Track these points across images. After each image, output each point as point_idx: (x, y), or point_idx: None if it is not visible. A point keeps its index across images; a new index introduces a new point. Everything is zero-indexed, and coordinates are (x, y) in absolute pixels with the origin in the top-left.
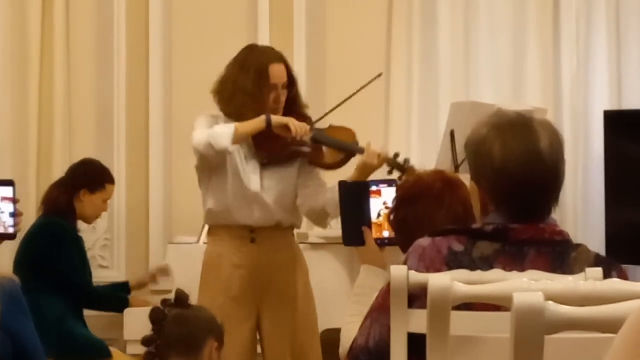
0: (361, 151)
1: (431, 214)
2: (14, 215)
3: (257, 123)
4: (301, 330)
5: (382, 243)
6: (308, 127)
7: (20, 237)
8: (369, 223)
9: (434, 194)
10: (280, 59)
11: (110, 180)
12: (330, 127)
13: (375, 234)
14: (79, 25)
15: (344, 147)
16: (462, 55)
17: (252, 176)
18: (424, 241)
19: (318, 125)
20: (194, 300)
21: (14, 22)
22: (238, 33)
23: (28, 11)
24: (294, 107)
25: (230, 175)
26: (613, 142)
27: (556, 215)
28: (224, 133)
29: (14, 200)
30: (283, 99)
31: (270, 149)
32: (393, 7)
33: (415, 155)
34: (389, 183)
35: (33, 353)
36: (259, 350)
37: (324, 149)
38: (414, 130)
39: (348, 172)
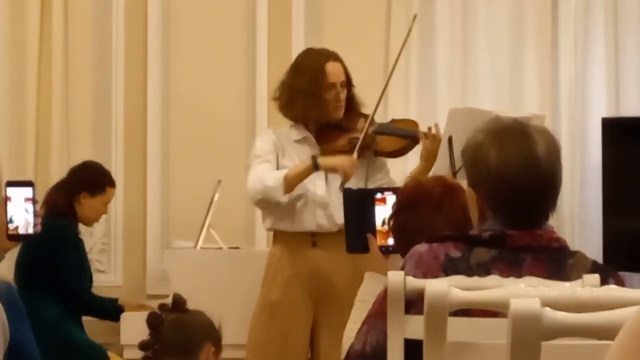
0: (422, 135)
1: (430, 219)
2: (35, 215)
3: (305, 168)
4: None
5: (386, 251)
6: (356, 161)
7: None
8: (373, 230)
9: (434, 200)
10: (335, 57)
11: (111, 183)
12: (393, 120)
13: (379, 241)
14: (77, 29)
15: (406, 133)
16: (460, 61)
17: (318, 181)
18: (421, 247)
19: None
20: (192, 304)
21: (12, 25)
22: (236, 35)
23: (26, 14)
24: (352, 105)
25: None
26: (611, 149)
27: (553, 222)
28: (274, 186)
29: (34, 201)
30: (343, 96)
31: (334, 146)
32: (391, 12)
33: (412, 160)
34: (394, 190)
35: (29, 358)
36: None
37: (387, 138)
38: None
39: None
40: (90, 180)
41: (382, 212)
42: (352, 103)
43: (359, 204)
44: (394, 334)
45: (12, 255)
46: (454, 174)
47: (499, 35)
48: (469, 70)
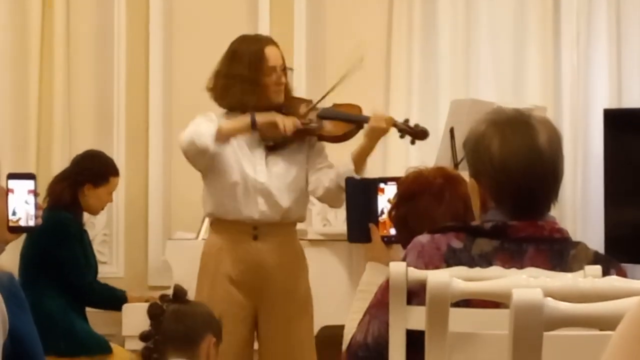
0: (368, 119)
1: (431, 209)
2: (36, 207)
3: (241, 123)
4: (297, 328)
5: (388, 240)
6: (296, 120)
7: None
8: (375, 219)
9: (435, 190)
10: (273, 42)
11: (114, 172)
12: (335, 104)
13: (381, 231)
14: (79, 19)
15: (351, 118)
16: (462, 52)
17: (258, 166)
18: (423, 238)
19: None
20: (192, 295)
21: (14, 17)
22: (238, 28)
23: (28, 5)
24: (288, 91)
25: (231, 168)
26: (613, 140)
27: (555, 213)
28: (206, 132)
29: (35, 193)
30: (283, 80)
31: (275, 131)
32: (393, 3)
33: (414, 152)
34: (397, 180)
35: (31, 348)
36: (256, 346)
37: (331, 123)
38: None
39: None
40: (93, 171)
41: (382, 202)
42: (287, 88)
43: (361, 193)
44: (396, 325)
45: (16, 247)
46: (456, 165)
47: (501, 26)
48: (471, 62)
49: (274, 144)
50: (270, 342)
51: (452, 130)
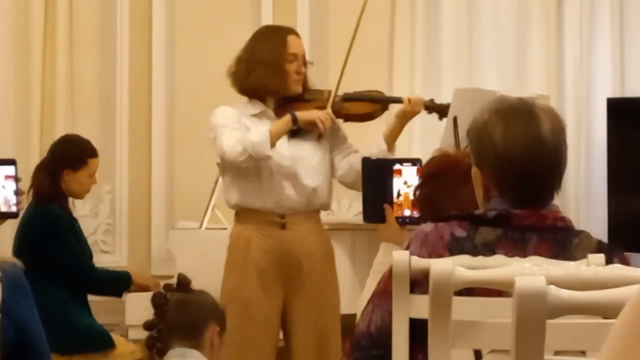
0: (400, 100)
1: (457, 188)
2: (16, 193)
3: (285, 123)
4: (324, 317)
5: (402, 221)
6: (332, 114)
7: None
8: (390, 200)
9: (462, 169)
10: (295, 32)
11: (92, 154)
12: (356, 92)
13: (396, 212)
14: (82, 11)
15: (374, 98)
16: (465, 41)
17: (282, 150)
18: (427, 227)
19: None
20: (197, 284)
21: (17, 7)
22: (240, 21)
23: (31, 1)
24: (306, 84)
25: None
26: (616, 129)
27: (558, 202)
28: (261, 141)
29: (16, 179)
30: (304, 70)
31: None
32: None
33: (417, 141)
34: (413, 162)
35: (35, 338)
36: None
37: (355, 104)
38: (417, 116)
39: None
40: (69, 156)
41: (398, 182)
42: (306, 81)
43: (377, 173)
44: (399, 314)
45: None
46: None
47: (504, 15)
48: (474, 51)
49: (297, 128)
50: (297, 331)
51: (455, 119)
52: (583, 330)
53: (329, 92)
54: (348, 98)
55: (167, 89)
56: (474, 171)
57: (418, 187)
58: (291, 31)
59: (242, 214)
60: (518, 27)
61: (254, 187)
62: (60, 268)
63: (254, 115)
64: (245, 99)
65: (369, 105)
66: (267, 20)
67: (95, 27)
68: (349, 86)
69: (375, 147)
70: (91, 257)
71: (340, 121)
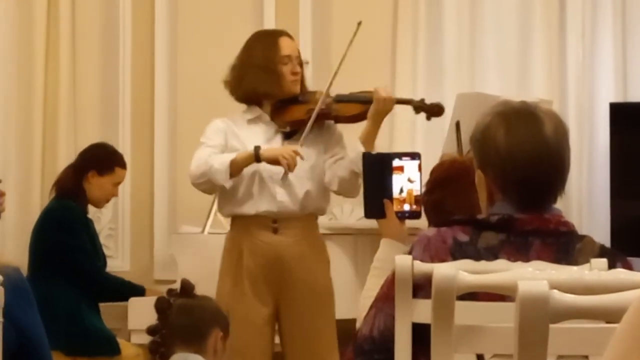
0: (376, 95)
1: (470, 193)
2: None
3: (248, 156)
4: (318, 321)
5: (402, 216)
6: (299, 152)
7: (31, 222)
8: (390, 196)
9: (472, 176)
10: (287, 34)
11: (121, 164)
12: (350, 93)
13: (396, 207)
14: (85, 15)
15: (365, 98)
16: (468, 46)
17: None
18: (429, 231)
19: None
20: (200, 289)
21: (20, 9)
22: (243, 24)
23: (34, 2)
24: (304, 84)
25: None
26: (618, 134)
27: (561, 206)
28: (220, 169)
29: None
30: (299, 70)
31: (292, 116)
32: (398, 1)
33: (420, 145)
34: (412, 156)
35: (37, 342)
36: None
37: (347, 105)
38: (419, 120)
39: None
40: (98, 159)
41: (400, 178)
42: (303, 81)
43: (377, 169)
44: (402, 318)
45: (23, 242)
46: None
47: (506, 19)
48: (476, 55)
49: (290, 129)
50: (291, 335)
51: (457, 124)
52: (586, 335)
53: (322, 93)
54: (339, 99)
55: (170, 93)
56: (478, 175)
57: (426, 193)
58: (282, 33)
59: (236, 220)
60: (521, 32)
61: (245, 194)
62: (71, 265)
63: (250, 121)
64: (244, 106)
65: (358, 106)
66: (270, 21)
67: (97, 31)
68: (351, 88)
69: (352, 151)
70: (105, 264)
71: (332, 122)
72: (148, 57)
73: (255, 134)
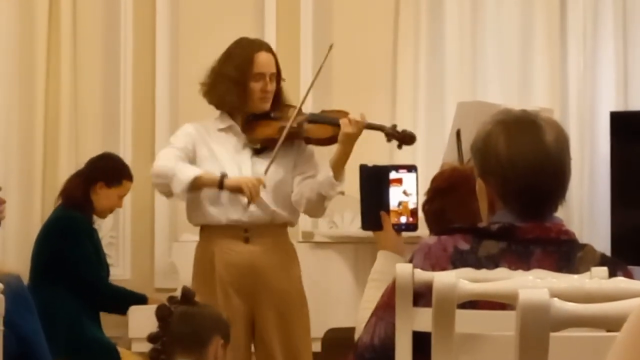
0: (344, 118)
1: (471, 202)
2: None
3: (212, 180)
4: (293, 329)
5: (399, 228)
6: (263, 181)
7: (32, 230)
8: (387, 208)
9: (473, 185)
10: (268, 48)
11: (128, 176)
12: (323, 110)
13: (393, 219)
14: (86, 22)
15: (331, 120)
16: (469, 54)
17: (243, 168)
18: (430, 239)
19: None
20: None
21: (21, 17)
22: (244, 28)
23: (35, 7)
24: (280, 98)
25: (217, 172)
26: (619, 143)
27: (562, 215)
28: (182, 179)
29: None
30: (270, 88)
31: (263, 133)
32: (400, 4)
33: (421, 153)
34: (409, 168)
35: (37, 349)
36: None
37: (319, 127)
38: (420, 129)
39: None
40: (107, 171)
41: (397, 191)
42: (279, 96)
43: (373, 181)
44: (403, 327)
45: (23, 250)
46: None
47: (507, 28)
48: (477, 64)
49: (261, 146)
50: (267, 344)
51: (458, 132)
52: (586, 343)
53: (291, 110)
54: (311, 120)
55: (171, 102)
56: (478, 183)
57: (427, 202)
58: (262, 47)
59: (206, 230)
60: (522, 41)
61: (214, 205)
62: (73, 274)
63: (221, 130)
64: (218, 112)
65: (329, 129)
66: (271, 22)
67: (99, 37)
68: (352, 99)
69: (321, 175)
70: (108, 273)
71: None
72: (149, 67)
73: (225, 144)
